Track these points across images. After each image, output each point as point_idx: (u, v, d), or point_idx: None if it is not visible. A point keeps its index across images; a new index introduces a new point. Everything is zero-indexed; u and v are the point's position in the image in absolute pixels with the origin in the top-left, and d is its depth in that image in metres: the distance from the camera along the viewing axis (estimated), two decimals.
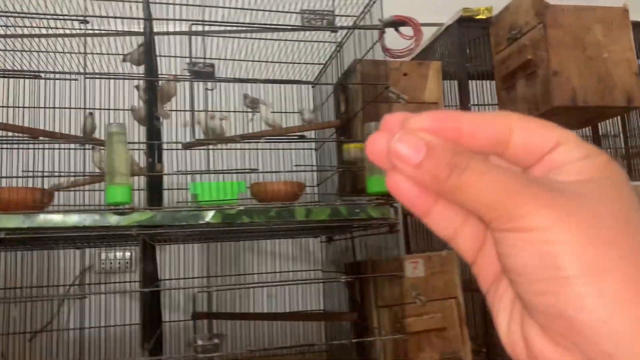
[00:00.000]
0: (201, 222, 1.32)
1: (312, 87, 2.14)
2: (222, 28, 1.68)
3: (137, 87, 1.63)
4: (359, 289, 1.80)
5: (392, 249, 2.69)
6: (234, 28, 1.67)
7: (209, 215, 1.32)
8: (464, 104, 2.00)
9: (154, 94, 1.67)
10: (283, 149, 1.95)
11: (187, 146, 1.93)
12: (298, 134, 1.79)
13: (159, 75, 1.71)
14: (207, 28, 1.50)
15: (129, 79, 1.45)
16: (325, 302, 2.13)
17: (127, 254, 2.35)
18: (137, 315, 2.12)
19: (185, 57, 1.44)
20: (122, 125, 1.28)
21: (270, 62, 1.68)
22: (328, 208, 1.42)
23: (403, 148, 0.23)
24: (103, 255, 2.34)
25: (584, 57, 1.77)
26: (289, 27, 1.53)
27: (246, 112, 1.95)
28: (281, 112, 2.03)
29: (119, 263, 2.37)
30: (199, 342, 1.27)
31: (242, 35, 1.71)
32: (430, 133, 0.23)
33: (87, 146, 1.48)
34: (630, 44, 1.82)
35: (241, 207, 1.35)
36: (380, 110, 1.81)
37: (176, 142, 1.88)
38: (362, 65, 1.75)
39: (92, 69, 1.57)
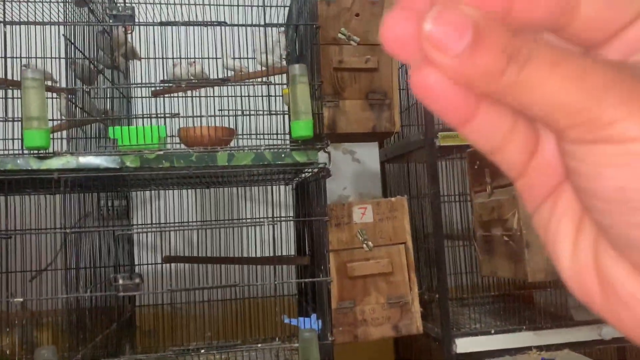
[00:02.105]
0: (120, 166, 1.35)
1: (284, 32, 2.10)
2: None
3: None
4: (309, 234, 1.81)
5: (367, 194, 2.68)
6: None
7: (128, 160, 1.35)
8: None
9: (106, 44, 1.69)
10: (249, 95, 1.93)
11: (156, 94, 1.96)
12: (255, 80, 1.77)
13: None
14: None
15: (53, 24, 1.46)
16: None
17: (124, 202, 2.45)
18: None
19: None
20: (39, 72, 1.30)
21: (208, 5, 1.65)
22: (252, 153, 1.42)
23: (440, 31, 0.16)
24: (102, 202, 2.45)
25: None
26: None
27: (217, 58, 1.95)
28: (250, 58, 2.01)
29: (117, 210, 2.48)
30: (120, 282, 1.32)
31: None
32: (473, 6, 0.17)
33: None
34: None
35: (160, 152, 1.37)
36: (330, 54, 1.77)
37: (144, 85, 1.90)
38: (309, 5, 1.70)
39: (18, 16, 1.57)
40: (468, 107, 0.18)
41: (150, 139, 1.38)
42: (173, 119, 1.55)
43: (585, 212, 0.19)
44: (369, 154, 2.72)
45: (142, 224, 2.20)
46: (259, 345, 1.35)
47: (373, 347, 2.29)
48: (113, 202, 2.39)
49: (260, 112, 1.45)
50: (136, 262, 2.19)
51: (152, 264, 2.15)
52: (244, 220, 1.83)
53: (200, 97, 1.63)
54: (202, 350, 1.32)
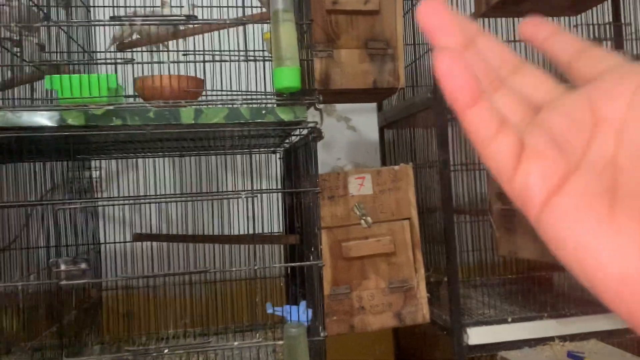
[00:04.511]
0: (58, 124, 1.08)
1: None
2: None
3: None
4: (297, 209, 1.56)
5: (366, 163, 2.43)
6: None
7: (70, 117, 1.08)
8: None
9: None
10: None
11: (121, 47, 1.67)
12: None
13: None
14: None
15: None
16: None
17: (96, 172, 2.18)
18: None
19: None
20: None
21: None
22: (224, 109, 1.15)
23: None
24: (71, 174, 2.18)
25: None
26: None
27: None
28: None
29: (87, 182, 2.21)
30: (62, 267, 1.07)
31: None
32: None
33: None
34: None
35: (110, 107, 1.10)
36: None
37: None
38: None
39: None
40: (476, 92, 0.23)
41: (97, 91, 1.11)
42: (128, 66, 1.27)
43: (616, 191, 0.20)
44: (366, 121, 2.46)
45: (108, 197, 1.94)
46: (235, 343, 1.10)
47: (370, 336, 2.07)
48: (80, 174, 2.12)
49: (236, 58, 1.18)
50: (107, 240, 1.93)
51: (120, 242, 1.89)
52: (221, 193, 1.57)
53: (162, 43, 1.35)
54: (166, 351, 1.07)
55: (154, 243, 1.94)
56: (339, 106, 2.46)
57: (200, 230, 2.07)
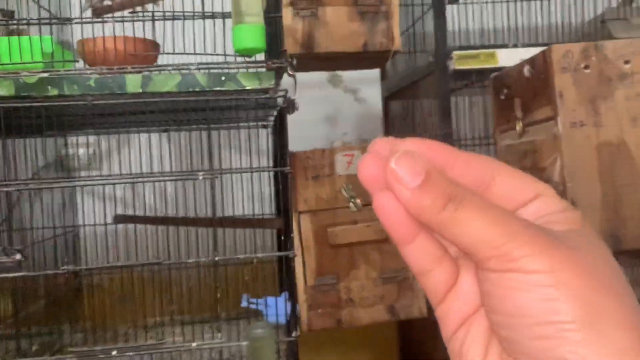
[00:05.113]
0: None
1: None
2: None
3: None
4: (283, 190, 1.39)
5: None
6: None
7: None
8: None
9: None
10: None
11: (98, 12, 1.51)
12: None
13: None
14: None
15: None
16: None
17: (82, 150, 2.06)
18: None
19: None
20: None
21: None
22: (177, 75, 0.98)
23: (401, 169, 0.23)
24: (63, 151, 2.06)
25: None
26: None
27: None
28: None
29: (80, 159, 2.09)
30: None
31: None
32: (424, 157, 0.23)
33: None
34: None
35: (44, 74, 0.94)
36: None
37: None
38: None
39: None
40: (412, 230, 0.25)
41: (29, 55, 0.95)
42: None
43: (492, 335, 0.24)
44: (375, 92, 2.27)
45: (86, 177, 1.81)
46: (193, 344, 0.96)
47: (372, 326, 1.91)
48: (66, 151, 1.99)
49: (190, 15, 1.01)
50: (85, 222, 1.81)
51: (100, 224, 1.76)
52: (180, 173, 1.40)
53: None
54: (114, 352, 0.93)
55: (139, 225, 1.81)
56: (346, 75, 2.27)
57: (196, 211, 1.93)
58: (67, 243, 1.71)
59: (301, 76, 2.12)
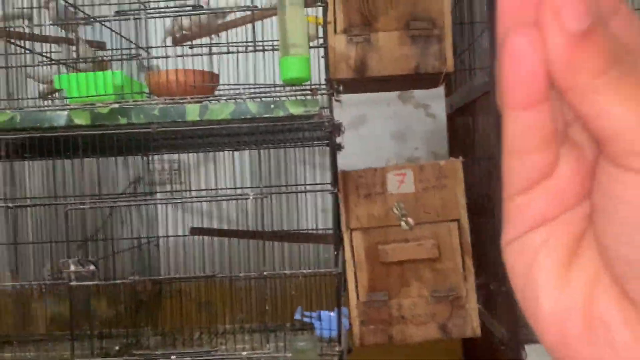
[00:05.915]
0: (70, 124, 1.07)
1: None
2: None
3: None
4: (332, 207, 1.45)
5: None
6: None
7: (77, 116, 1.07)
8: None
9: None
10: None
11: (178, 42, 1.67)
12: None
13: None
14: None
15: None
16: None
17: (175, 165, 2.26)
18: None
19: None
20: None
21: None
22: (230, 105, 1.08)
23: (566, 2, 0.16)
24: (151, 166, 2.27)
25: None
26: None
27: None
28: None
29: (167, 174, 2.29)
30: (72, 268, 1.07)
31: None
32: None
33: None
34: None
35: (115, 105, 1.07)
36: None
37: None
38: None
39: None
40: (540, 93, 0.18)
41: (103, 89, 1.09)
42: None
43: (577, 256, 0.20)
44: (443, 108, 2.26)
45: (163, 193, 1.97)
46: (244, 353, 1.04)
47: (438, 344, 1.90)
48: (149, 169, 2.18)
49: (243, 49, 1.10)
50: (165, 234, 1.97)
51: (174, 236, 1.90)
52: (227, 196, 1.49)
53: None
54: (173, 357, 1.03)
55: (212, 238, 1.94)
56: (417, 93, 2.29)
57: (272, 224, 2.02)
58: (149, 253, 1.87)
59: (370, 95, 2.17)
